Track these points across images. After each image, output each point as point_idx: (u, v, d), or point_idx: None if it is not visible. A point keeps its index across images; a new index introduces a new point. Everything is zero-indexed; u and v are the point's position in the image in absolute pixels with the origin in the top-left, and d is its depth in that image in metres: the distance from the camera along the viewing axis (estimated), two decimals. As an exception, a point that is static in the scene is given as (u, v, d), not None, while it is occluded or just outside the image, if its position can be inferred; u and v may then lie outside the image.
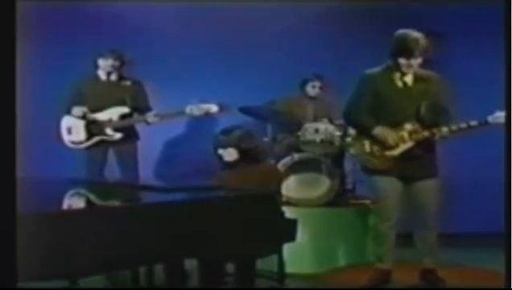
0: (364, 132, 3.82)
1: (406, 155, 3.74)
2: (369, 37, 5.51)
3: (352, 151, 3.92)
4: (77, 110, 4.77)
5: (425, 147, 3.75)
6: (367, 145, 3.80)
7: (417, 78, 3.75)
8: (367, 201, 4.86)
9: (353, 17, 5.73)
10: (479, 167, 5.36)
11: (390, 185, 3.78)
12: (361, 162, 3.90)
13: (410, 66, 3.69)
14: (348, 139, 4.88)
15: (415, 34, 3.67)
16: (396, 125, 3.74)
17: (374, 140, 3.77)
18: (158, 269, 3.34)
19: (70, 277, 3.07)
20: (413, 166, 3.74)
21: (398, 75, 3.74)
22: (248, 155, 3.61)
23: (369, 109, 3.78)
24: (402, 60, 3.67)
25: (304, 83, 5.41)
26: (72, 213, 2.53)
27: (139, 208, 2.72)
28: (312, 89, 5.40)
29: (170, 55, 5.59)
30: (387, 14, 5.49)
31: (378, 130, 3.74)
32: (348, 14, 5.72)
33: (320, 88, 5.40)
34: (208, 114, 4.81)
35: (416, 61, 3.68)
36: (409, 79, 3.76)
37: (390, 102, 3.75)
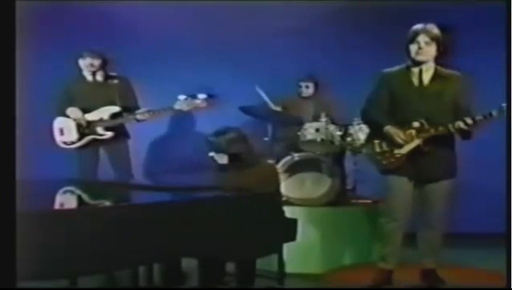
0: (377, 130, 3.81)
1: (414, 153, 3.71)
2: (373, 37, 5.51)
3: (364, 151, 3.89)
4: (71, 111, 4.80)
5: (438, 147, 3.70)
6: (377, 145, 3.80)
7: (436, 77, 3.71)
8: (368, 201, 4.86)
9: (359, 16, 5.69)
10: (479, 168, 5.35)
11: (400, 185, 3.76)
12: (373, 162, 3.89)
13: (422, 53, 3.63)
14: (349, 139, 4.88)
15: (427, 25, 3.66)
16: (406, 123, 3.72)
17: (384, 139, 3.76)
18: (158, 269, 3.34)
19: (68, 277, 3.07)
20: (425, 166, 3.70)
21: (415, 70, 3.71)
22: (238, 160, 3.60)
23: (385, 107, 3.78)
24: (412, 47, 3.65)
25: (297, 83, 5.40)
26: (70, 213, 2.53)
27: (139, 207, 2.72)
28: (306, 89, 5.39)
29: (162, 52, 5.61)
30: (392, 14, 5.48)
31: (387, 129, 3.73)
32: (353, 13, 5.68)
33: (315, 88, 5.39)
34: (196, 109, 4.83)
35: (429, 48, 3.63)
36: (426, 77, 3.72)
37: (404, 100, 3.72)
